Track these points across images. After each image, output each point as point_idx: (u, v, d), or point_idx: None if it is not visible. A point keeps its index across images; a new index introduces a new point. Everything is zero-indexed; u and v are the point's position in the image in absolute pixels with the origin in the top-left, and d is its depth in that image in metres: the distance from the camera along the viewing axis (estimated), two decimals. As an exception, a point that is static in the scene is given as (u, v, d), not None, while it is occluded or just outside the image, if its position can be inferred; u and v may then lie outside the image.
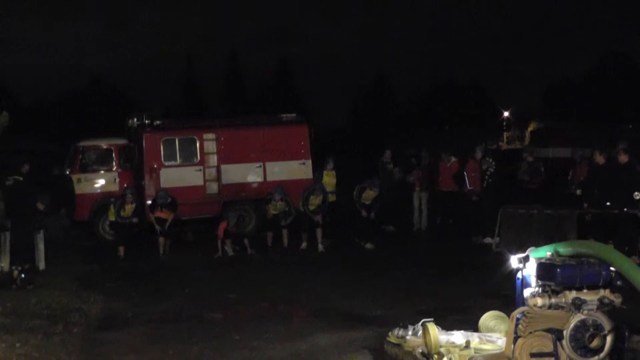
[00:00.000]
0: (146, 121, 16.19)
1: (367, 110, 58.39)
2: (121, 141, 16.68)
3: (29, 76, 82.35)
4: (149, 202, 14.88)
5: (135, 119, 16.41)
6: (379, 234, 14.94)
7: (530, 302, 5.78)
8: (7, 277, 10.47)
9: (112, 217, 14.18)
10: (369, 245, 13.92)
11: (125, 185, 15.88)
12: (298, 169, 16.28)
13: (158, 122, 16.38)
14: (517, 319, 5.65)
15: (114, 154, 16.42)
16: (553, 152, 25.91)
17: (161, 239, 13.94)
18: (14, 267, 10.54)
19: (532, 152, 15.98)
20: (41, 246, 12.09)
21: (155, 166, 15.60)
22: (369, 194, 14.30)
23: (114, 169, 16.35)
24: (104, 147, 16.60)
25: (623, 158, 11.78)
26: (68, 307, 9.24)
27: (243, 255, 13.46)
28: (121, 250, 13.81)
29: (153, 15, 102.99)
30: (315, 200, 14.04)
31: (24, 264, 10.82)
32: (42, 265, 12.01)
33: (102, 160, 16.35)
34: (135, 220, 14.03)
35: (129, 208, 13.88)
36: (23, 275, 10.56)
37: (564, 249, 6.03)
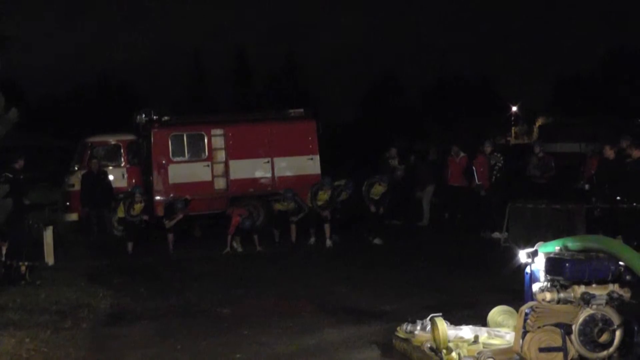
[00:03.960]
0: (154, 117, 16.23)
1: (375, 105, 58.26)
2: (129, 137, 16.70)
3: (37, 73, 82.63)
4: (158, 199, 14.99)
5: (144, 115, 16.43)
6: (387, 229, 14.94)
7: (539, 296, 5.78)
8: (15, 272, 10.51)
9: (121, 214, 14.20)
10: (377, 241, 13.91)
11: (133, 181, 15.93)
12: (306, 165, 16.26)
13: (166, 117, 16.41)
14: (526, 314, 5.65)
15: (122, 150, 16.44)
16: (561, 147, 25.80)
17: (170, 236, 13.95)
18: (21, 263, 10.58)
19: (542, 146, 15.91)
20: (50, 242, 12.12)
21: (163, 162, 15.62)
22: (378, 189, 14.29)
23: (122, 164, 16.37)
24: (112, 142, 16.62)
25: (636, 153, 11.73)
26: (77, 303, 9.28)
27: (251, 251, 13.47)
28: (130, 246, 13.83)
29: (160, 11, 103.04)
30: (323, 196, 14.03)
31: (32, 260, 10.86)
32: (50, 261, 12.06)
33: (111, 156, 16.35)
34: (145, 217, 14.06)
35: (138, 207, 13.90)
36: (30, 270, 10.61)
37: (572, 243, 6.03)
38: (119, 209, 14.27)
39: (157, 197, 15.28)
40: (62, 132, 36.10)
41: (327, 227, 13.99)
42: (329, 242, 13.85)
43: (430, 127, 44.55)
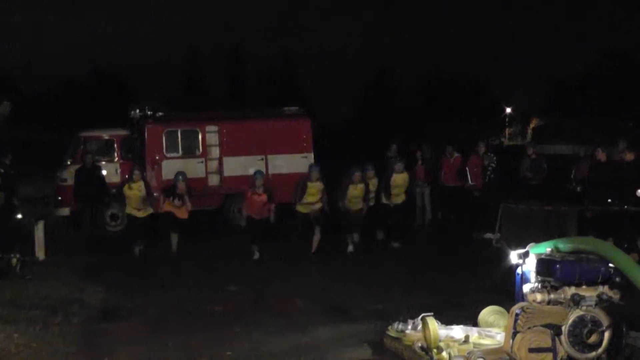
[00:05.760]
0: (148, 112, 16.20)
1: (370, 104, 58.34)
2: (123, 132, 16.66)
3: (32, 66, 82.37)
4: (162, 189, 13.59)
5: (138, 110, 16.42)
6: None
7: (530, 297, 5.80)
8: (5, 265, 10.47)
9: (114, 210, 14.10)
10: (355, 237, 13.15)
11: (126, 176, 15.85)
12: (300, 162, 16.25)
13: (160, 113, 16.40)
14: (517, 315, 5.67)
15: (115, 145, 16.38)
16: (554, 148, 25.92)
17: (174, 236, 12.64)
18: (12, 255, 10.55)
19: (534, 147, 15.98)
20: (41, 236, 12.07)
21: (157, 158, 15.61)
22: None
23: (115, 159, 16.31)
24: (106, 137, 16.56)
25: (629, 156, 11.76)
26: (67, 298, 9.25)
27: (245, 248, 13.38)
28: (137, 250, 12.61)
29: (156, 7, 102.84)
30: (355, 191, 12.99)
31: (23, 255, 10.83)
32: (41, 255, 11.97)
33: (104, 151, 16.28)
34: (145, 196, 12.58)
35: (137, 186, 12.50)
36: (21, 265, 10.58)
37: (563, 245, 6.06)
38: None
39: (159, 191, 15.19)
40: (56, 127, 36.00)
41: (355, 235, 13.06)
42: (356, 237, 13.05)
43: (424, 127, 44.55)
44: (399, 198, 13.68)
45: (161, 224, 13.13)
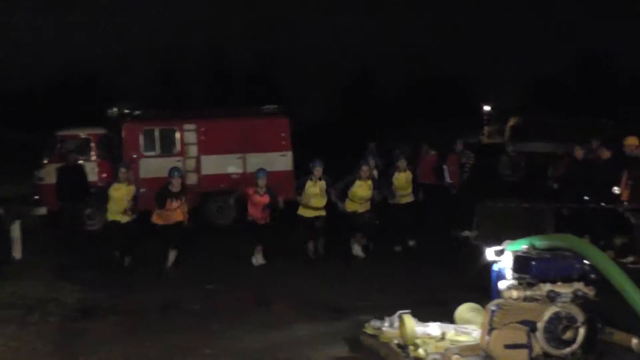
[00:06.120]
0: (126, 111, 16.11)
1: (351, 103, 58.43)
2: (100, 131, 16.55)
3: (9, 65, 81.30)
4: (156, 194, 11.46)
5: (116, 109, 16.33)
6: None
7: (506, 294, 5.84)
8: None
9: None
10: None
11: (104, 175, 15.74)
12: (278, 161, 16.25)
13: (138, 112, 16.31)
14: (492, 311, 5.70)
15: (92, 144, 16.26)
16: (533, 146, 26.09)
17: (172, 252, 11.22)
18: None
19: (514, 145, 16.15)
20: (17, 236, 11.96)
21: (134, 156, 15.53)
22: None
23: (92, 158, 16.18)
24: (83, 136, 16.43)
25: (606, 154, 11.88)
26: (44, 297, 9.19)
27: (224, 246, 13.35)
28: (116, 255, 11.42)
29: (138, 5, 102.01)
30: (360, 190, 12.22)
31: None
32: (18, 255, 11.87)
33: (81, 150, 16.11)
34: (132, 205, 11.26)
35: (125, 189, 11.15)
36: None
37: (539, 242, 6.12)
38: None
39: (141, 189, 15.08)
40: (35, 126, 35.61)
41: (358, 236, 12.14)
42: (358, 251, 12.14)
43: (404, 125, 44.70)
44: (406, 198, 13.02)
45: (160, 240, 11.64)
